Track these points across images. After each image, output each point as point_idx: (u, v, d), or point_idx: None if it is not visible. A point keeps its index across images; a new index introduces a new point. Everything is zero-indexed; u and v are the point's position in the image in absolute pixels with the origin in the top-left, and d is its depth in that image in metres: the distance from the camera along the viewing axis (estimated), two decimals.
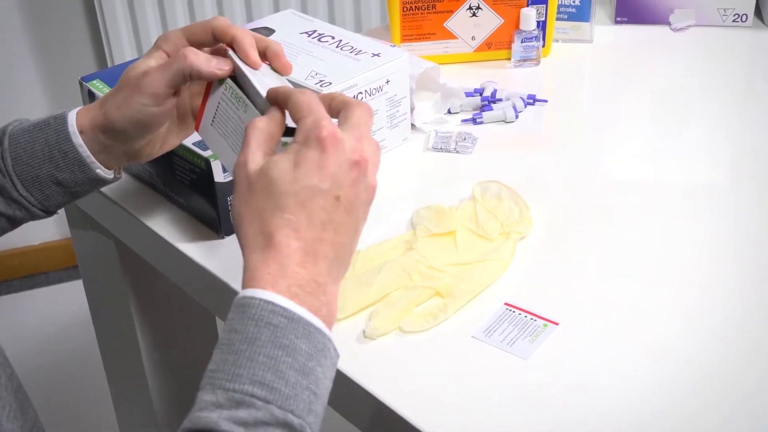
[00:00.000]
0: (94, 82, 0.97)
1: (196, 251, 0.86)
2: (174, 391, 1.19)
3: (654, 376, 0.70)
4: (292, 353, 0.55)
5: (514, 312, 0.77)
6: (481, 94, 1.10)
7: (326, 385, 0.57)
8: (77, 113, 0.75)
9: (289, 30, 1.04)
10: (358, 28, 1.99)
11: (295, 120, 0.61)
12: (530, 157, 1.01)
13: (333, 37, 1.02)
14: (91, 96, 0.97)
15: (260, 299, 0.55)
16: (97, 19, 1.94)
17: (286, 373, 0.54)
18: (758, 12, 1.32)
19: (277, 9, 1.98)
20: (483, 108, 1.08)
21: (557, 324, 0.75)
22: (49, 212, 0.78)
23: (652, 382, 0.70)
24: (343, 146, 0.59)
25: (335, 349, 0.58)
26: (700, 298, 0.79)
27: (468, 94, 1.10)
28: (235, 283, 0.81)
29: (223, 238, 0.87)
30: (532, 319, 0.76)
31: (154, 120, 0.73)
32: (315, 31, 1.04)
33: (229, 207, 0.86)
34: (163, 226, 0.89)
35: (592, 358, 0.72)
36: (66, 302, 2.07)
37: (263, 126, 0.62)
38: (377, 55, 0.97)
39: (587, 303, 0.78)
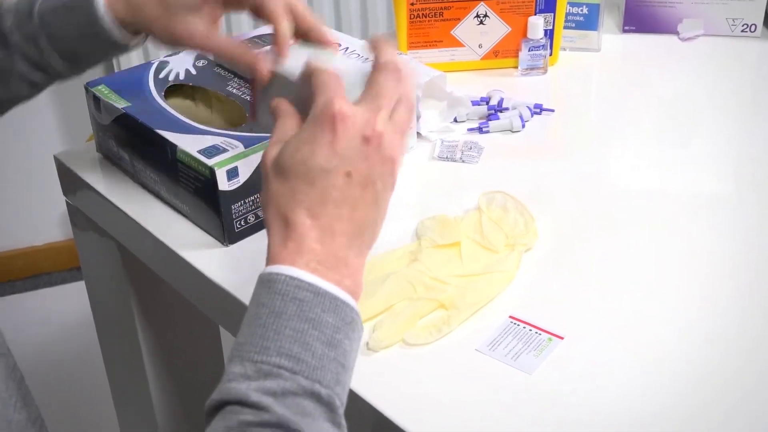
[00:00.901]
0: (100, 87, 0.97)
1: (200, 259, 0.85)
2: (175, 393, 1.19)
3: (660, 392, 0.70)
4: (319, 326, 0.56)
5: (518, 325, 0.76)
6: (487, 103, 1.10)
7: (353, 357, 0.58)
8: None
9: None
10: (365, 34, 1.99)
11: (313, 98, 0.62)
12: (536, 166, 1.01)
13: (340, 45, 1.01)
14: (96, 101, 0.96)
15: (285, 275, 0.57)
16: None
17: (313, 345, 0.55)
18: (767, 22, 1.31)
19: None
20: (489, 117, 1.07)
21: (562, 338, 0.75)
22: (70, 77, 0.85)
23: (659, 398, 0.69)
24: (354, 122, 0.59)
25: (361, 322, 0.59)
26: (709, 313, 0.78)
27: (474, 103, 1.09)
28: (239, 292, 0.81)
29: (227, 246, 0.86)
30: (536, 332, 0.75)
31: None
32: None
33: (233, 215, 0.85)
34: (167, 233, 0.89)
35: (596, 372, 0.72)
36: (69, 303, 2.07)
37: (280, 124, 0.64)
38: None
39: (592, 316, 0.78)
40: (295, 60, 0.71)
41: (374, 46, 0.65)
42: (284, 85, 0.71)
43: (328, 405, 0.55)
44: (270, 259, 0.59)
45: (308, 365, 0.55)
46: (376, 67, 0.63)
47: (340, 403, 0.56)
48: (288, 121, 0.64)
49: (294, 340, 0.55)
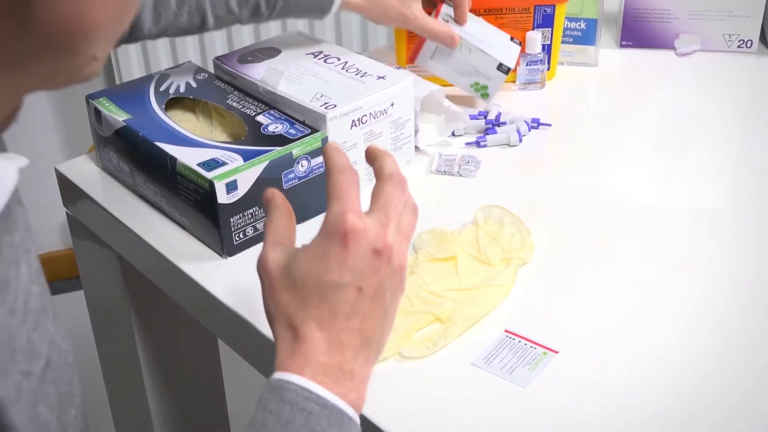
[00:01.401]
0: (101, 99, 0.98)
1: (198, 271, 0.86)
2: (172, 403, 1.19)
3: (655, 407, 0.70)
4: None
5: (514, 339, 0.77)
6: (485, 117, 1.11)
7: None
8: None
9: (295, 51, 1.05)
10: (364, 47, 2.00)
11: (327, 202, 0.62)
12: (533, 181, 1.01)
13: (339, 59, 1.02)
14: (97, 113, 0.97)
15: (296, 384, 0.58)
16: None
17: None
18: (763, 38, 1.32)
19: (284, 28, 1.98)
20: (487, 131, 1.08)
21: (557, 352, 0.75)
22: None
23: (653, 413, 0.70)
24: (366, 237, 0.60)
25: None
26: (705, 326, 0.79)
27: (472, 117, 1.10)
28: (236, 305, 0.81)
29: (225, 258, 0.87)
30: (531, 347, 0.76)
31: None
32: (321, 52, 1.04)
33: (232, 228, 0.86)
34: (166, 245, 0.90)
35: (591, 387, 0.72)
36: (68, 312, 2.07)
37: (275, 220, 0.65)
38: (382, 77, 0.98)
39: (587, 331, 0.78)
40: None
41: (374, 156, 0.66)
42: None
43: None
44: (278, 367, 0.60)
45: None
46: (380, 179, 0.64)
47: None
48: (283, 220, 0.65)
49: None
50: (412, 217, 0.65)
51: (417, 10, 1.06)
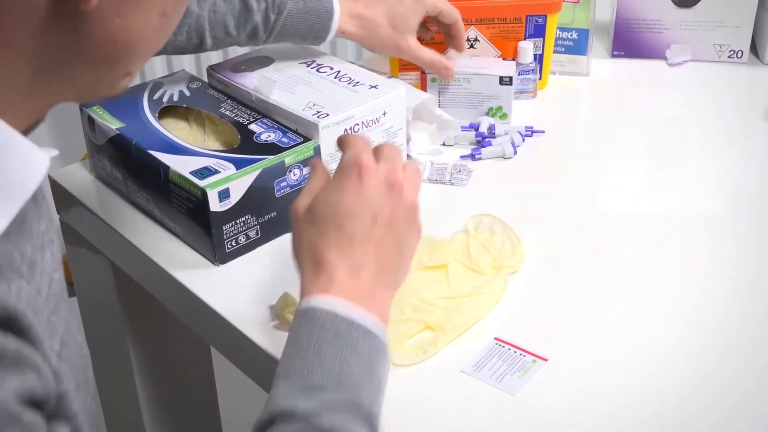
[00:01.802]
0: (95, 107, 0.98)
1: (190, 279, 0.87)
2: (166, 410, 1.19)
3: (644, 415, 0.71)
4: (355, 352, 0.61)
5: (503, 347, 0.77)
6: (476, 130, 1.11)
7: (385, 381, 0.64)
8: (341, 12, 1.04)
9: (288, 60, 1.06)
10: (359, 56, 2.00)
11: (342, 155, 0.69)
12: (524, 189, 1.02)
13: (331, 68, 1.03)
14: (90, 121, 0.98)
15: (322, 308, 0.62)
16: None
17: (352, 367, 0.61)
18: (754, 48, 1.34)
19: None
20: (482, 143, 1.09)
21: (546, 360, 0.76)
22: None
23: (642, 421, 0.70)
24: (378, 173, 0.67)
25: (389, 353, 0.65)
26: (695, 335, 0.79)
27: (463, 129, 1.11)
28: (229, 312, 0.82)
29: (217, 266, 0.88)
30: (521, 354, 0.76)
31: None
32: (314, 62, 1.05)
33: (224, 236, 0.87)
34: (159, 252, 0.90)
35: (579, 395, 0.73)
36: None
37: (314, 179, 0.70)
38: (375, 87, 0.98)
39: (576, 339, 0.79)
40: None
41: (347, 142, 0.71)
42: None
43: (368, 421, 0.59)
44: (304, 294, 0.65)
45: (349, 384, 0.60)
46: (379, 145, 0.70)
47: (377, 423, 0.61)
48: (320, 176, 0.70)
49: (334, 361, 0.60)
50: (417, 172, 0.70)
51: (411, 40, 1.09)
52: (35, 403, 0.48)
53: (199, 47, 1.01)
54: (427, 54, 1.10)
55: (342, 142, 0.71)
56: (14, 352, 0.47)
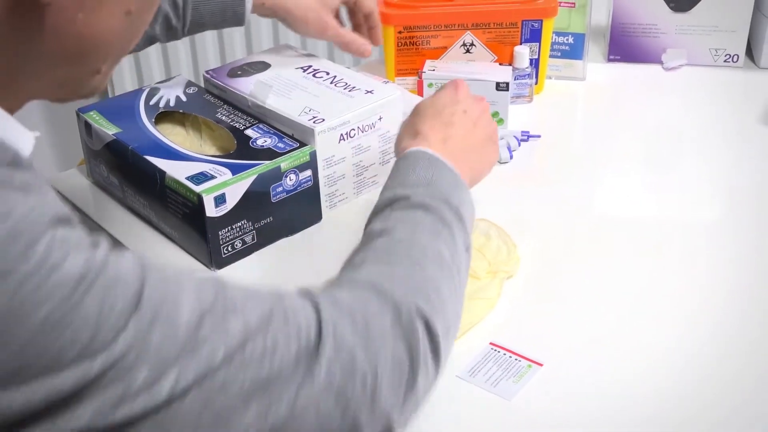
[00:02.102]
0: (91, 113, 0.98)
1: None
2: None
3: (639, 420, 0.71)
4: (444, 176, 0.74)
5: (499, 352, 0.77)
6: None
7: (468, 211, 0.74)
8: None
9: (285, 65, 1.06)
10: (355, 61, 2.01)
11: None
12: (520, 194, 1.02)
13: (328, 73, 1.03)
14: (87, 127, 0.98)
15: (417, 149, 0.77)
16: None
17: (441, 182, 0.74)
18: (749, 53, 1.34)
19: (277, 42, 1.99)
20: None
21: (541, 365, 0.76)
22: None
23: (636, 425, 0.70)
24: (469, 90, 0.86)
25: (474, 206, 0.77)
26: (690, 338, 0.79)
27: None
28: None
29: (214, 271, 0.88)
30: (516, 359, 0.76)
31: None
32: (310, 66, 1.05)
33: (220, 241, 0.87)
34: (155, 257, 0.90)
35: (574, 399, 0.73)
36: None
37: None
38: (370, 92, 0.98)
39: (572, 344, 0.79)
40: None
41: None
42: None
43: (458, 215, 0.71)
44: (401, 152, 0.79)
45: (441, 189, 0.73)
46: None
47: (466, 222, 0.73)
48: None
49: (426, 173, 0.74)
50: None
51: (333, 20, 1.07)
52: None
53: None
54: (349, 34, 1.08)
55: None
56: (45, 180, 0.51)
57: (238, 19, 1.04)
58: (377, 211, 0.73)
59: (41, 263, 0.46)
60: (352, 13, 1.10)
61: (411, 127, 0.81)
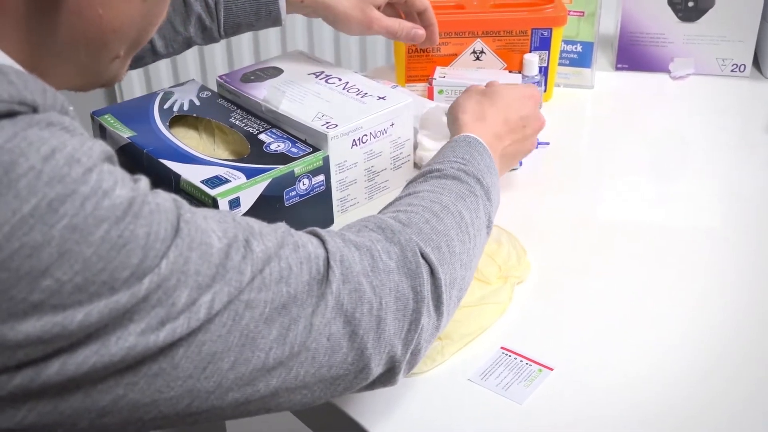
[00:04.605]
0: (106, 116, 0.99)
1: None
2: None
3: (650, 423, 0.72)
4: (484, 159, 0.81)
5: (510, 356, 0.78)
6: None
7: (497, 195, 0.81)
8: None
9: (297, 70, 1.07)
10: (363, 68, 2.02)
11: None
12: (529, 200, 1.03)
13: (340, 79, 1.04)
14: (102, 130, 0.99)
15: (466, 134, 0.84)
16: None
17: (477, 160, 0.80)
18: (756, 63, 1.35)
19: (284, 48, 2.01)
20: None
21: (552, 369, 0.77)
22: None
23: (647, 429, 0.71)
24: (537, 99, 0.96)
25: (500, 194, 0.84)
26: (700, 343, 0.80)
27: None
28: None
29: None
30: (527, 363, 0.77)
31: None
32: (323, 72, 1.06)
33: None
34: None
35: (585, 404, 0.74)
36: None
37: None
38: (383, 98, 0.99)
39: (581, 349, 0.80)
40: None
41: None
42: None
43: (486, 194, 0.77)
44: (463, 129, 0.86)
45: (476, 168, 0.78)
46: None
47: (492, 205, 0.79)
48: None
49: (465, 154, 0.80)
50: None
51: (376, 12, 1.05)
52: None
53: (153, 52, 1.02)
54: (394, 21, 1.07)
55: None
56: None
57: (274, 19, 1.04)
58: (410, 181, 0.78)
59: (96, 187, 0.50)
60: (406, 13, 1.10)
61: (479, 105, 0.90)
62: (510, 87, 0.95)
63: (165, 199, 0.54)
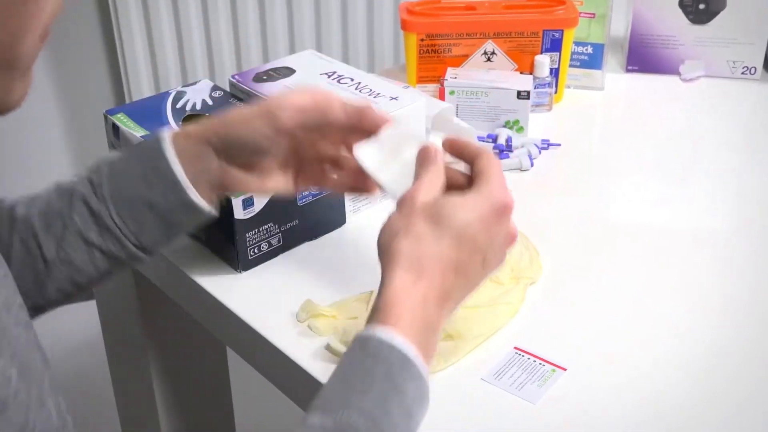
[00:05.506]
0: (119, 115, 1.00)
1: (213, 285, 0.88)
2: (182, 412, 1.20)
3: (662, 424, 0.72)
4: (401, 394, 0.59)
5: (523, 356, 0.78)
6: (494, 141, 1.13)
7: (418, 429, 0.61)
8: (172, 134, 0.76)
9: (309, 70, 1.07)
10: (371, 68, 2.02)
11: (478, 169, 0.68)
12: (540, 201, 1.03)
13: (352, 79, 1.04)
14: (115, 129, 0.99)
15: (394, 340, 0.60)
16: (117, 57, 1.97)
17: (392, 412, 0.58)
18: (767, 65, 1.35)
19: (292, 47, 2.01)
20: (499, 155, 1.10)
21: (565, 369, 0.77)
22: (143, 249, 0.77)
23: (660, 429, 0.71)
24: (510, 217, 0.66)
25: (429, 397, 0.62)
26: (712, 344, 0.80)
27: (480, 139, 1.12)
28: (250, 318, 0.83)
29: (240, 273, 0.89)
30: (540, 363, 0.77)
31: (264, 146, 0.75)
32: (335, 72, 1.06)
33: (247, 243, 0.88)
34: (182, 258, 0.91)
35: (598, 403, 0.74)
36: (79, 323, 2.08)
37: (438, 168, 0.68)
38: (395, 98, 0.99)
39: (594, 349, 0.80)
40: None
41: (455, 144, 0.71)
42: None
43: None
44: (389, 304, 0.61)
45: (383, 430, 0.57)
46: (481, 154, 0.69)
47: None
48: (436, 172, 0.68)
49: (376, 403, 0.58)
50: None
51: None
52: None
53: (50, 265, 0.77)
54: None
55: (475, 157, 0.68)
56: None
57: (156, 173, 0.75)
58: (321, 410, 0.58)
59: None
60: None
61: (419, 244, 0.63)
62: (470, 205, 0.65)
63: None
